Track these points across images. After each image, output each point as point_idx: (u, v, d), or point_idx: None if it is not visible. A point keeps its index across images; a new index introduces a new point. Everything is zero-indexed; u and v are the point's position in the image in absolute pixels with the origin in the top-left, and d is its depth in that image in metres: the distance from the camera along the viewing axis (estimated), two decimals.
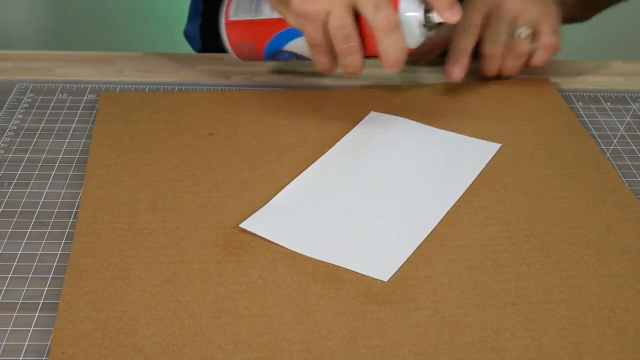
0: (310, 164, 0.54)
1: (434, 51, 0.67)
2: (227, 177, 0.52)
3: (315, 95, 0.62)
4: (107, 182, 0.51)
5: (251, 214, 0.49)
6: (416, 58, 0.66)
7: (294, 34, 0.58)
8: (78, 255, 0.45)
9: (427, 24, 0.55)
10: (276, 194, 0.50)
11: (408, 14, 0.54)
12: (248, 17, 0.61)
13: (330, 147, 0.55)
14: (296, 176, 0.52)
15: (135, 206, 0.49)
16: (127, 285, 0.43)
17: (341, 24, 0.53)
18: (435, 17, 0.54)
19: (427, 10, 0.55)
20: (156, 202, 0.49)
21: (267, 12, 0.60)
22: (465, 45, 0.62)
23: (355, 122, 0.59)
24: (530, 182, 0.53)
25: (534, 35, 0.62)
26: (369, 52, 0.56)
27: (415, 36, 0.55)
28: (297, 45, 0.59)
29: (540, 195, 0.51)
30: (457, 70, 0.62)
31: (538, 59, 0.63)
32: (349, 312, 0.41)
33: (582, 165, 0.54)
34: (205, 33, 0.88)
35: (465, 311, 0.42)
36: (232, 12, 0.62)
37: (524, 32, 0.61)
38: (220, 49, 0.71)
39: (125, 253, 0.45)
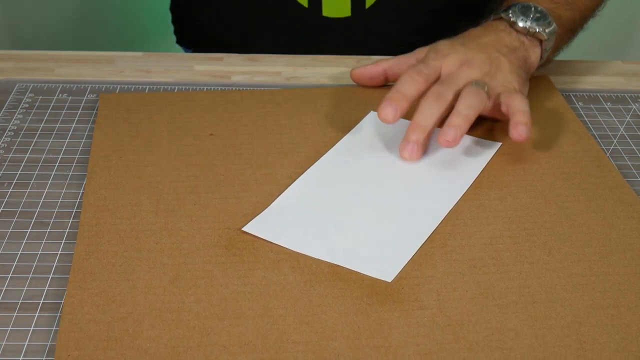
0: (312, 164, 0.53)
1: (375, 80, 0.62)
2: (228, 178, 0.52)
3: (315, 95, 0.62)
4: (108, 184, 0.51)
5: (253, 214, 0.48)
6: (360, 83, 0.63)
7: None
8: (81, 257, 0.45)
9: None
10: (278, 194, 0.50)
11: None
12: None
13: (331, 147, 0.55)
14: (298, 176, 0.52)
15: (138, 207, 0.49)
16: (131, 287, 0.43)
17: None
18: None
19: None
20: (158, 204, 0.49)
21: None
22: (401, 87, 0.54)
23: (355, 122, 0.59)
24: (532, 180, 0.53)
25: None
26: None
27: None
28: None
29: (542, 194, 0.51)
30: (387, 109, 0.53)
31: (517, 105, 0.54)
32: (353, 313, 0.41)
33: (583, 164, 0.54)
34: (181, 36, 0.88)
35: (469, 310, 0.42)
36: None
37: (476, 83, 0.55)
38: (218, 49, 0.72)
39: (129, 255, 0.45)
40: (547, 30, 0.60)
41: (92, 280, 0.43)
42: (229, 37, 0.79)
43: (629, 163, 0.56)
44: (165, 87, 0.64)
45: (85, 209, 0.49)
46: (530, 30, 0.59)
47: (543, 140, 0.57)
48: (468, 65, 0.56)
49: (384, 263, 0.45)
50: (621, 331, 0.41)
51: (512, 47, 0.59)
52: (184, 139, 0.56)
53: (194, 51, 0.86)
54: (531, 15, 0.60)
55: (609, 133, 0.60)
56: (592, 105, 0.64)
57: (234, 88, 0.64)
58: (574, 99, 0.65)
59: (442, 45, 0.59)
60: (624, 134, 0.60)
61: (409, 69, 0.56)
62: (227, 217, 0.48)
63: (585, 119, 0.62)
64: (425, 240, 0.47)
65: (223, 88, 0.64)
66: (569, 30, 0.65)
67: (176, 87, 0.64)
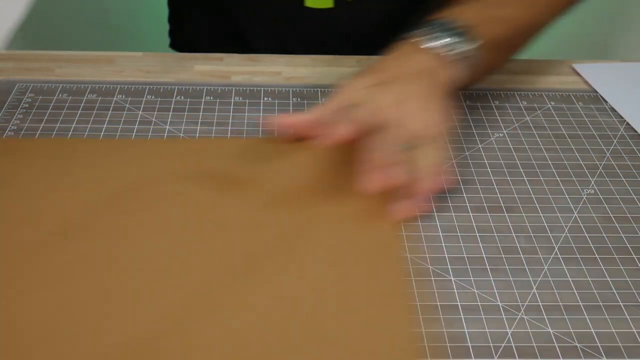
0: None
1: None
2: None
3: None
4: None
5: None
6: None
7: None
8: None
9: None
10: None
11: None
12: None
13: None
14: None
15: None
16: None
17: None
18: None
19: None
20: None
21: None
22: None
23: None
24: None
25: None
26: None
27: None
28: None
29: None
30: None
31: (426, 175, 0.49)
32: None
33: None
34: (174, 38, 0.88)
35: None
36: None
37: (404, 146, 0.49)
38: (216, 49, 0.72)
39: None
40: (454, 52, 0.54)
41: None
42: (209, 24, 0.80)
43: (629, 163, 0.56)
44: (165, 87, 0.64)
45: None
46: (441, 52, 0.54)
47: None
48: None
49: None
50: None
51: (421, 70, 0.53)
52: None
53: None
54: (442, 36, 0.54)
55: (609, 133, 0.60)
56: (592, 105, 0.64)
57: (234, 88, 0.65)
58: (574, 99, 0.65)
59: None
60: (624, 134, 0.60)
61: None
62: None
63: (585, 119, 0.62)
64: None
65: (223, 88, 0.64)
66: (498, 48, 0.58)
67: (176, 87, 0.64)
